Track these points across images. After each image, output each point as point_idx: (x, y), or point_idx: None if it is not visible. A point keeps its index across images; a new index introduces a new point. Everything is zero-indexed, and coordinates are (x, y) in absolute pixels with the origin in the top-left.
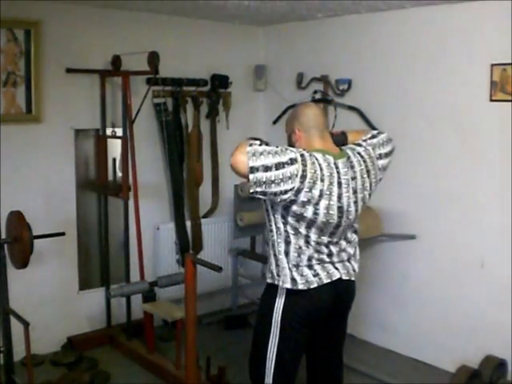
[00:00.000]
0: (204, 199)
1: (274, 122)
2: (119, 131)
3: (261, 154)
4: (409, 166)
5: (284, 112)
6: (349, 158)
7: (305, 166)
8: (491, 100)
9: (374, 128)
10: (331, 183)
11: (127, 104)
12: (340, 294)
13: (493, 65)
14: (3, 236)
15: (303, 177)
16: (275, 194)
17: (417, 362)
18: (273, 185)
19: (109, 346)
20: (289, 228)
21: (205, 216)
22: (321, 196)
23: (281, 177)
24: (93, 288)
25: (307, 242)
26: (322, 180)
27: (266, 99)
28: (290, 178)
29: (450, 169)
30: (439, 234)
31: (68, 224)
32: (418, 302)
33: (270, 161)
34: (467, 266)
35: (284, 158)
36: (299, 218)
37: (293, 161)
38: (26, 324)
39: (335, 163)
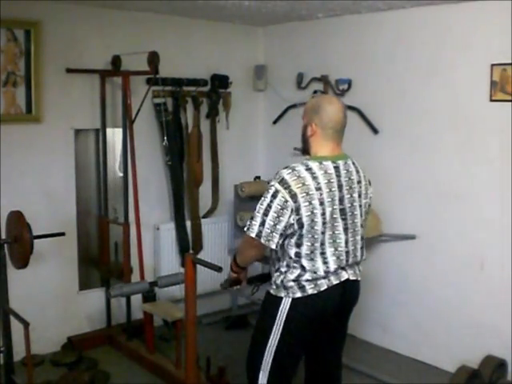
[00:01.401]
0: (204, 199)
1: (274, 122)
2: (119, 131)
3: (251, 222)
4: (409, 166)
5: (284, 112)
6: (354, 163)
7: (288, 187)
8: (491, 100)
9: (373, 128)
10: (331, 190)
11: (127, 104)
12: (347, 294)
13: (493, 65)
14: (3, 236)
15: (294, 196)
16: (286, 227)
17: (417, 362)
18: (277, 226)
19: (109, 346)
20: (304, 249)
21: (205, 216)
22: (322, 204)
23: (275, 215)
24: (93, 288)
25: (322, 254)
26: (319, 189)
27: (266, 99)
28: (282, 208)
29: (450, 169)
30: (439, 233)
31: (68, 224)
32: (418, 302)
33: (259, 216)
34: (467, 265)
35: (267, 200)
36: (312, 233)
37: (275, 193)
38: (26, 324)
39: (335, 166)
